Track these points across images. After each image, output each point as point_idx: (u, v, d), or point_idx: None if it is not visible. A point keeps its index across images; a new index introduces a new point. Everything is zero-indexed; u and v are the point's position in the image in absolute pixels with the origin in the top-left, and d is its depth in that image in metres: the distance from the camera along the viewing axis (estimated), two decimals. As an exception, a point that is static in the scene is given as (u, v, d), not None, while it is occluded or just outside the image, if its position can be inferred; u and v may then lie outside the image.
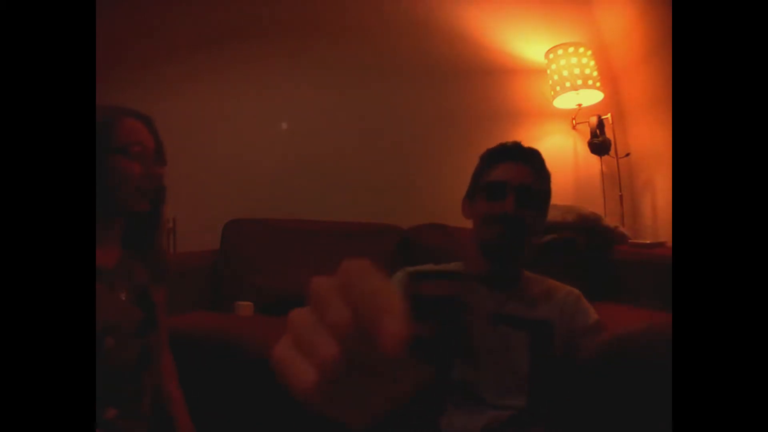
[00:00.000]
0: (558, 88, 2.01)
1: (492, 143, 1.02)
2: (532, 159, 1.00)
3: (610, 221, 1.78)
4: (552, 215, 1.64)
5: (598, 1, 2.24)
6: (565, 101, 2.06)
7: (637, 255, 1.58)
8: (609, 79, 2.16)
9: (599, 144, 1.98)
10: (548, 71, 2.09)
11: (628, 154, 2.10)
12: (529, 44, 2.24)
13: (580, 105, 2.06)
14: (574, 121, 2.18)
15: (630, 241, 1.71)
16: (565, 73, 2.00)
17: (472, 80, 2.23)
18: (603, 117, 2.00)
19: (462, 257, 1.02)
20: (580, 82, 1.97)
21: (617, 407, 0.72)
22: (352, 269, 0.23)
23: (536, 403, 0.83)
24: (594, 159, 2.11)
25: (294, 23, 2.26)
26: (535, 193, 0.95)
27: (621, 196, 2.06)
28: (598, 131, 1.98)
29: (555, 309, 0.91)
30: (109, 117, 0.88)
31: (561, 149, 2.20)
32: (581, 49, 2.02)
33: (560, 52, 2.04)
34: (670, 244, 1.64)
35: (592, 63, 2.01)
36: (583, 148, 2.11)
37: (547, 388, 0.84)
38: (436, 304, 0.24)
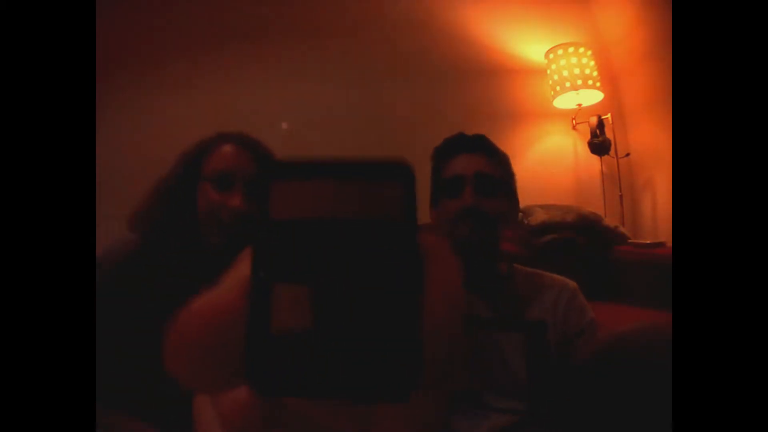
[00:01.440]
0: (558, 88, 2.01)
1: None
2: (482, 145, 0.95)
3: (610, 221, 1.78)
4: (552, 215, 1.65)
5: (598, 1, 2.24)
6: (565, 101, 2.06)
7: (637, 255, 1.58)
8: (609, 79, 2.16)
9: (599, 144, 1.98)
10: (548, 71, 2.08)
11: (628, 154, 2.10)
12: (529, 44, 2.24)
13: (580, 105, 2.06)
14: (574, 121, 2.18)
15: (630, 241, 1.71)
16: (565, 73, 2.00)
17: (472, 80, 2.23)
18: (603, 117, 2.00)
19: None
20: (580, 82, 1.97)
21: (617, 407, 0.72)
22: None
23: (536, 404, 0.83)
24: (594, 159, 2.11)
25: (294, 23, 2.26)
26: (495, 179, 0.91)
27: (621, 196, 2.06)
28: (598, 131, 1.98)
29: (548, 307, 0.89)
30: (207, 143, 0.87)
31: (561, 149, 2.20)
32: (581, 49, 2.02)
33: (560, 52, 2.04)
34: (670, 244, 1.64)
35: (592, 63, 2.01)
36: (583, 148, 2.11)
37: (547, 389, 0.84)
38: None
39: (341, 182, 0.14)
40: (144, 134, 2.04)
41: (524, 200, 1.49)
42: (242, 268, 0.15)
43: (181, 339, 0.14)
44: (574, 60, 2.00)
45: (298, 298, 0.13)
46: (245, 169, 0.84)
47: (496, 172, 0.92)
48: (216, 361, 0.14)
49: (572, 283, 0.94)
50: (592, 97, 2.05)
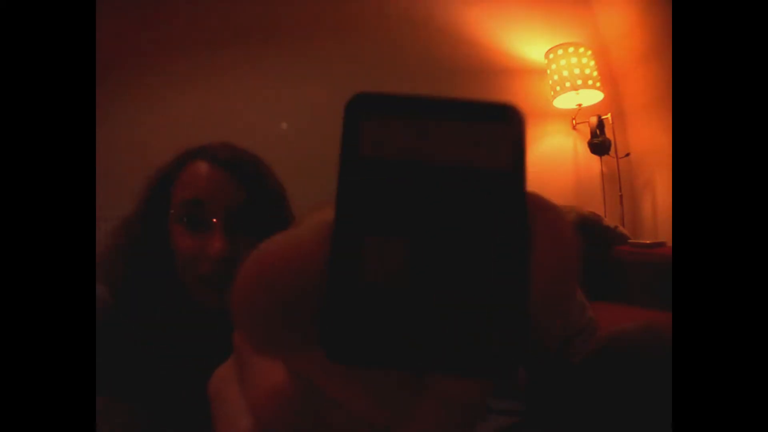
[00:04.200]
0: (558, 88, 2.01)
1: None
2: None
3: (610, 221, 1.78)
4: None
5: (598, 1, 2.24)
6: (565, 101, 2.06)
7: (637, 255, 1.58)
8: (609, 79, 2.16)
9: (599, 144, 1.98)
10: (548, 71, 2.09)
11: (628, 154, 2.10)
12: (529, 44, 2.24)
13: (580, 105, 2.06)
14: (574, 121, 2.18)
15: (630, 241, 1.71)
16: (565, 73, 2.00)
17: (472, 80, 2.23)
18: (603, 117, 2.00)
19: None
20: (580, 82, 1.97)
21: (616, 407, 0.72)
22: None
23: (535, 405, 0.83)
24: (594, 159, 2.11)
25: (294, 22, 2.26)
26: None
27: (621, 196, 2.06)
28: (598, 131, 1.98)
29: None
30: (175, 164, 0.66)
31: (561, 149, 2.20)
32: (581, 49, 2.02)
33: (560, 52, 2.04)
34: (670, 244, 1.64)
35: (592, 63, 2.01)
36: (583, 148, 2.11)
37: (546, 389, 0.84)
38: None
39: (440, 122, 0.12)
40: (144, 134, 2.04)
41: (524, 200, 1.49)
42: (324, 212, 0.12)
43: (254, 282, 0.12)
44: (574, 60, 2.00)
45: (390, 250, 0.11)
46: (225, 194, 0.62)
47: None
48: (291, 313, 0.12)
49: None
50: (592, 97, 2.05)
